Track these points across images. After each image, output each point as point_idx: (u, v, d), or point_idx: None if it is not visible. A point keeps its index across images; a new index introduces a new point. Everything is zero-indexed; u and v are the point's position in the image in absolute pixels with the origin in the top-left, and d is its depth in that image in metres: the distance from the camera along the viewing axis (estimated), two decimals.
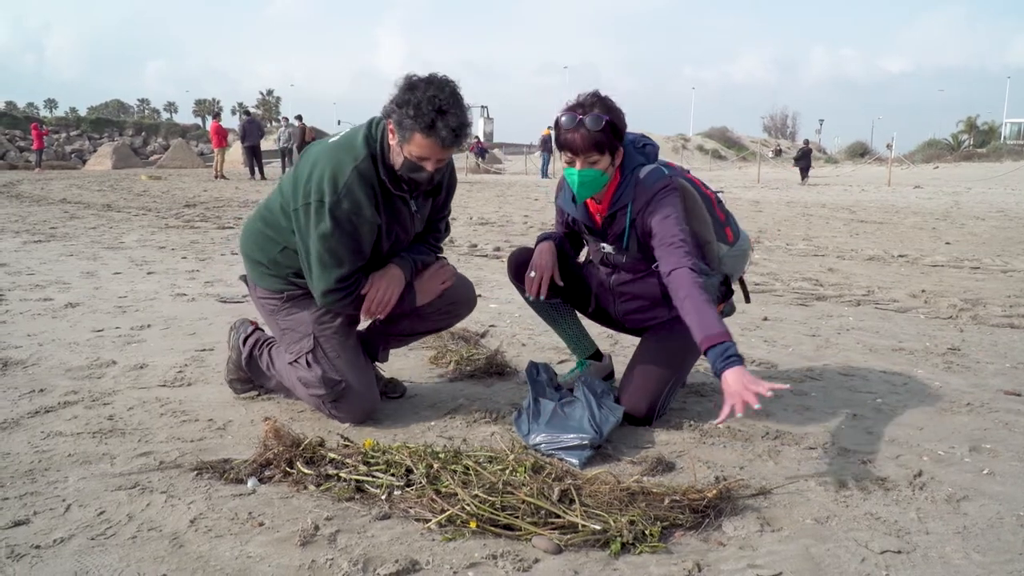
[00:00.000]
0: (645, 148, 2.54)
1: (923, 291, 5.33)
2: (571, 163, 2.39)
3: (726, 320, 2.81)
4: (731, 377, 2.02)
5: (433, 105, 2.18)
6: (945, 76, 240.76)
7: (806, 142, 29.17)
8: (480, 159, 32.52)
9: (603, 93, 2.41)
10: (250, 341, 2.71)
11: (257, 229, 2.58)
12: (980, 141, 51.16)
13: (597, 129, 2.31)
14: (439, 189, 2.60)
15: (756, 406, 1.96)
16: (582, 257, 2.90)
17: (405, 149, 2.28)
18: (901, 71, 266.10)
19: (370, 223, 2.37)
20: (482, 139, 51.22)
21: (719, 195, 2.70)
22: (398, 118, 2.24)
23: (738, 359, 2.06)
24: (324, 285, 2.41)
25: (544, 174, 27.69)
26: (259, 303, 2.64)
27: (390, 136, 2.33)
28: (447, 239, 2.86)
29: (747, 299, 2.89)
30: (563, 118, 2.36)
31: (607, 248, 2.63)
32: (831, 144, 62.66)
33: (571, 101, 2.41)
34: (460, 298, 2.77)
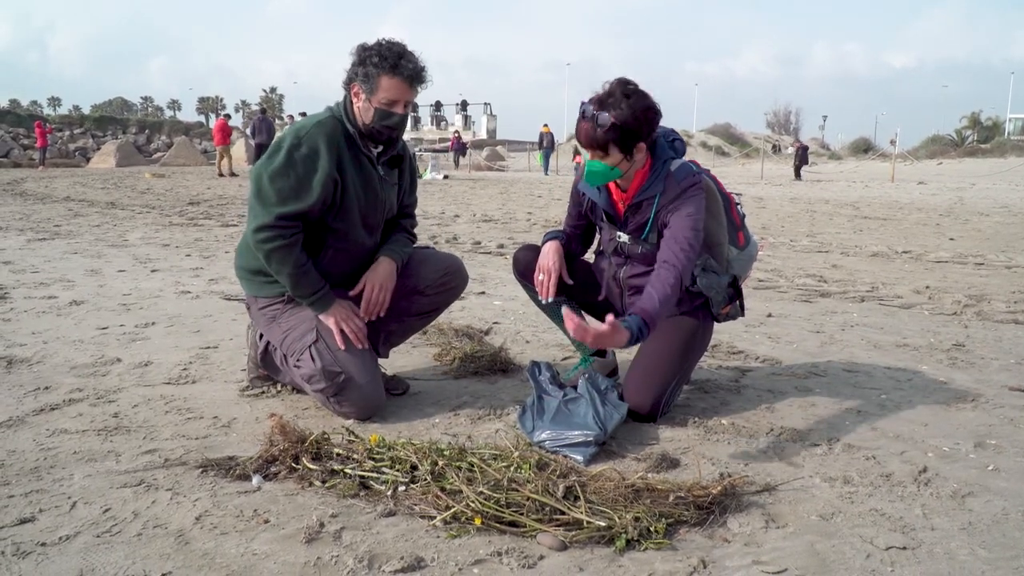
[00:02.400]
0: (675, 143, 2.55)
1: (927, 287, 5.32)
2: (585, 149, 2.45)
3: (732, 323, 2.80)
4: (606, 325, 2.09)
5: (392, 50, 2.40)
6: (949, 71, 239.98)
7: (797, 142, 29.54)
8: (461, 155, 32.17)
9: (633, 84, 2.37)
10: (265, 336, 2.72)
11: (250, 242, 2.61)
12: (984, 137, 51.01)
13: (603, 128, 2.32)
14: (401, 160, 2.70)
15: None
16: (589, 255, 2.90)
17: (374, 99, 2.43)
18: (904, 66, 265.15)
19: (326, 172, 2.43)
20: (485, 135, 51.03)
21: (738, 198, 2.70)
22: (363, 73, 2.42)
23: (631, 325, 2.14)
24: (260, 221, 2.42)
25: (547, 171, 27.73)
26: (260, 315, 2.64)
27: (356, 100, 2.48)
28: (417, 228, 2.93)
29: (742, 311, 2.76)
30: (583, 106, 2.38)
31: (623, 238, 2.62)
32: (834, 140, 62.48)
33: (604, 86, 2.39)
34: (452, 268, 2.83)
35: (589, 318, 2.66)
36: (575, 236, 2.82)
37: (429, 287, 2.77)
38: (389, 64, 2.39)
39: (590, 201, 2.67)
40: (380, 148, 2.59)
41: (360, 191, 2.52)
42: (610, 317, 2.11)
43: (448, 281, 2.81)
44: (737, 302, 2.71)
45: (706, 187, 2.52)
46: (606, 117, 2.31)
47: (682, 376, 2.60)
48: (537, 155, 30.70)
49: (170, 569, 1.61)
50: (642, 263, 2.62)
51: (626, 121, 2.32)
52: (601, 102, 2.35)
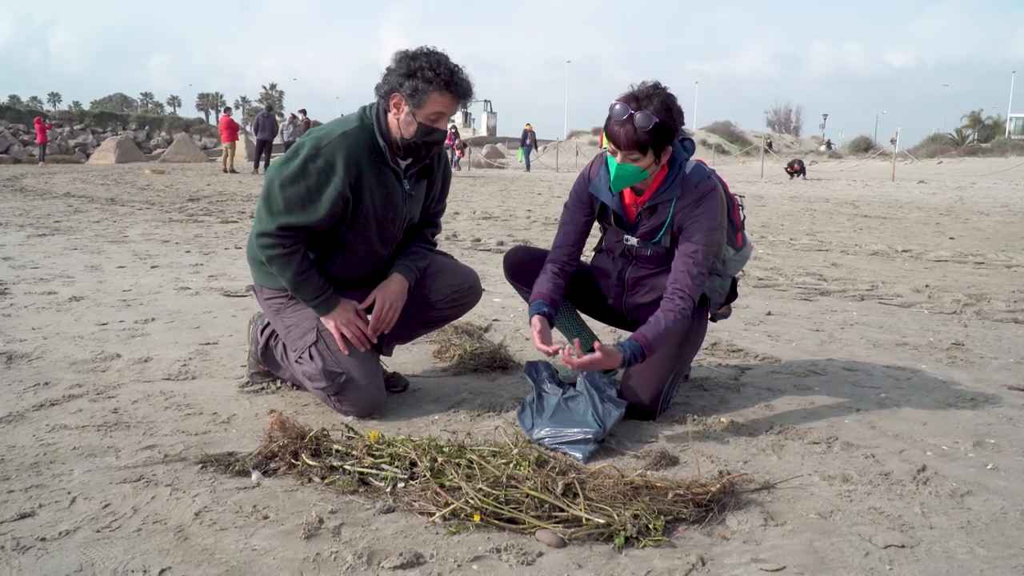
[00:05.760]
0: (684, 143, 2.52)
1: (927, 286, 5.32)
2: (613, 153, 2.35)
3: (732, 321, 2.81)
4: (606, 352, 2.26)
5: (446, 66, 2.33)
6: (949, 70, 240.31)
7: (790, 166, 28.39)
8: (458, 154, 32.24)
9: (664, 85, 2.34)
10: (267, 332, 2.73)
11: None
12: (984, 136, 50.93)
13: (644, 129, 2.25)
14: (432, 170, 2.64)
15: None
16: (587, 255, 2.89)
17: (420, 114, 2.35)
18: (904, 65, 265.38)
19: (337, 190, 2.38)
20: (485, 133, 50.89)
21: (740, 200, 2.71)
22: (411, 86, 2.33)
23: (625, 349, 2.29)
24: (263, 227, 2.41)
25: (529, 167, 28.89)
26: (266, 304, 2.65)
27: (395, 111, 2.39)
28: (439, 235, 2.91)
29: (728, 313, 2.87)
30: (616, 107, 2.30)
31: (631, 240, 2.60)
32: (835, 138, 62.33)
33: (632, 87, 2.35)
34: (466, 285, 2.79)
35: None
36: (571, 261, 2.65)
37: (440, 301, 2.75)
38: (443, 80, 2.31)
39: (601, 204, 2.60)
40: (410, 160, 2.53)
41: (379, 206, 2.48)
42: (598, 344, 2.22)
43: (460, 298, 2.79)
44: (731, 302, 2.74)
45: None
46: (649, 116, 2.24)
47: (679, 373, 2.60)
48: (518, 152, 31.36)
49: (170, 564, 1.61)
50: (649, 263, 2.61)
51: (665, 120, 2.27)
52: (638, 100, 2.29)
